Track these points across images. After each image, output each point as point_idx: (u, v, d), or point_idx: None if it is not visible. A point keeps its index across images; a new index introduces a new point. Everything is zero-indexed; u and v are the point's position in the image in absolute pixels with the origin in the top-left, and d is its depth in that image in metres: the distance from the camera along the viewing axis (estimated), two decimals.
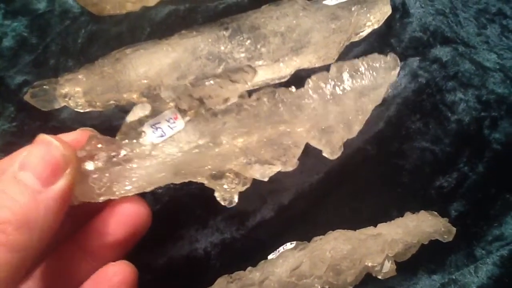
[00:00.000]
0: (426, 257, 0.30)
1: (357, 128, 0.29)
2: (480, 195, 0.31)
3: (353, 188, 0.32)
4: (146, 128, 0.27)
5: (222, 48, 0.31)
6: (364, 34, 0.32)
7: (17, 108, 0.33)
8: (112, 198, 0.26)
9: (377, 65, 0.29)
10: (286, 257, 0.29)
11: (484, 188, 0.31)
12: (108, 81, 0.30)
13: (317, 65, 0.31)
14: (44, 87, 0.30)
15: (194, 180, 0.27)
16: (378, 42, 0.34)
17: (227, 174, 0.27)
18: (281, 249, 0.29)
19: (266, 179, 0.28)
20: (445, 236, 0.30)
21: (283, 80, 0.31)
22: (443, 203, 0.31)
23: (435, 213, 0.30)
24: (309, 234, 0.30)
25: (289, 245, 0.29)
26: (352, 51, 0.33)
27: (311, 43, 0.31)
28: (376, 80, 0.29)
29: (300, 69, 0.31)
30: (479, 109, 0.32)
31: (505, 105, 0.32)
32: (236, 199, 0.27)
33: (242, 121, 0.27)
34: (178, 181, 0.27)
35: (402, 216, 0.30)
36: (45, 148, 0.24)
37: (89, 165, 0.26)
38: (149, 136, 0.27)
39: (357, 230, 0.29)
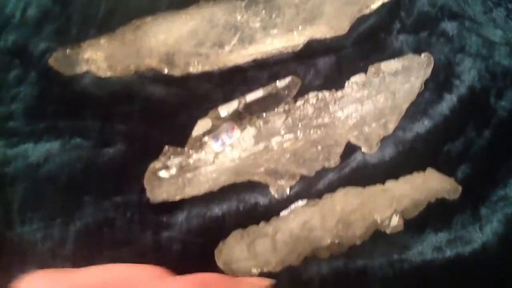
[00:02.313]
0: (433, 216, 0.31)
1: (392, 126, 0.32)
2: (486, 159, 0.33)
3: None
4: (209, 140, 0.31)
5: (239, 17, 0.33)
6: (374, 7, 0.34)
7: (39, 74, 0.34)
8: (186, 197, 0.31)
9: (412, 64, 0.32)
10: (297, 212, 0.30)
11: (490, 152, 0.33)
12: (129, 47, 0.32)
13: (328, 36, 0.33)
14: (67, 51, 0.32)
15: (252, 179, 0.32)
16: (388, 15, 0.35)
17: (279, 172, 0.31)
18: (292, 206, 0.31)
19: (312, 175, 0.32)
20: (451, 194, 0.31)
21: (296, 50, 0.33)
22: (451, 166, 0.32)
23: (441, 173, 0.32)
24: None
25: (300, 202, 0.31)
26: (364, 23, 0.35)
27: (324, 14, 0.33)
28: (411, 79, 0.32)
29: (313, 39, 0.33)
30: (487, 78, 0.34)
31: (511, 76, 0.34)
32: (288, 191, 0.32)
33: (290, 126, 0.31)
34: (238, 181, 0.31)
35: None
36: None
37: (164, 173, 0.30)
38: (212, 146, 0.31)
39: (366, 187, 0.31)
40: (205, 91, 0.34)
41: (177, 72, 0.33)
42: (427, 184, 0.30)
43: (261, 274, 0.29)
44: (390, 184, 0.31)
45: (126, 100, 0.33)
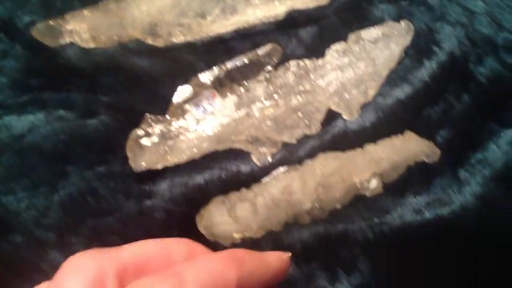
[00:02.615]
0: (412, 180, 0.32)
1: (372, 92, 0.33)
2: (465, 123, 0.33)
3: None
4: (190, 107, 0.31)
5: None
6: None
7: (24, 47, 0.34)
8: (168, 165, 0.31)
9: (392, 32, 0.33)
10: (278, 178, 0.30)
11: (469, 117, 0.33)
12: (112, 18, 0.33)
13: (310, 6, 0.34)
14: (51, 23, 0.32)
15: (234, 147, 0.32)
16: None
17: (261, 139, 0.32)
18: (273, 173, 0.31)
19: (294, 142, 0.32)
20: (430, 157, 0.31)
21: (278, 20, 0.33)
22: (430, 130, 0.33)
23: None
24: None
25: (281, 169, 0.31)
26: None
27: None
28: (391, 46, 0.33)
29: (295, 9, 0.33)
30: (467, 45, 0.35)
31: (491, 44, 0.35)
32: (269, 159, 0.32)
33: (271, 94, 0.32)
34: (220, 148, 0.32)
35: None
36: None
37: (146, 141, 0.31)
38: (193, 113, 0.31)
39: (345, 151, 0.31)
40: (188, 61, 0.34)
41: (160, 43, 0.33)
42: (406, 147, 0.31)
43: (243, 240, 0.30)
44: (369, 147, 0.31)
45: (110, 72, 0.34)
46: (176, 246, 0.24)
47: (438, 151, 0.31)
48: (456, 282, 0.30)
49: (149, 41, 0.33)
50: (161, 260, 0.23)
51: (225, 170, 0.32)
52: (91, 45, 0.33)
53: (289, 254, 0.26)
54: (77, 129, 0.32)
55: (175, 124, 0.31)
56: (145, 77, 0.33)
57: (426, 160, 0.31)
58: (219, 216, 0.29)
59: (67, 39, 0.33)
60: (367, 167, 0.30)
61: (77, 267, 0.21)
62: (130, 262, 0.22)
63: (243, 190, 0.30)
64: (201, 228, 0.30)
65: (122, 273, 0.21)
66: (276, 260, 0.25)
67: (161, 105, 0.32)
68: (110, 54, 0.34)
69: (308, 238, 0.30)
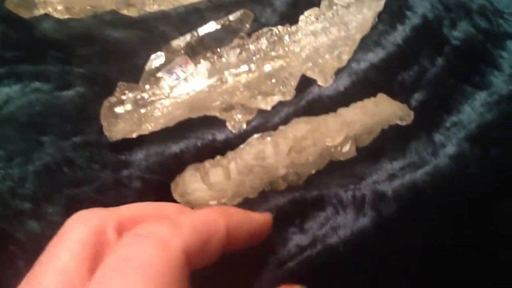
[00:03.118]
0: (387, 145, 0.32)
1: (346, 57, 0.33)
2: (440, 86, 0.33)
3: None
4: (163, 74, 0.31)
5: None
6: None
7: None
8: (143, 133, 0.31)
9: None
10: (251, 144, 0.30)
11: (443, 79, 0.33)
12: None
13: None
14: None
15: (208, 114, 0.32)
16: None
17: (236, 106, 0.32)
18: (248, 140, 0.31)
19: (269, 108, 0.32)
20: (404, 119, 0.31)
21: None
22: (405, 94, 0.33)
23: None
24: None
25: (255, 136, 0.31)
26: None
27: None
28: (363, 11, 0.32)
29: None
30: (440, 9, 0.34)
31: (464, 9, 0.35)
32: (244, 126, 0.32)
33: (244, 60, 0.31)
34: (195, 115, 0.32)
35: None
36: None
37: (119, 109, 0.31)
38: (166, 80, 0.31)
39: (318, 116, 0.31)
40: (163, 32, 0.34)
41: (134, 13, 0.33)
42: (378, 109, 0.30)
43: None
44: (341, 110, 0.31)
45: (85, 43, 0.34)
46: (169, 206, 0.26)
47: (411, 113, 0.31)
48: (431, 243, 0.30)
49: (124, 11, 0.33)
50: (156, 217, 0.25)
51: (200, 139, 0.32)
52: (66, 16, 0.33)
53: (272, 214, 0.29)
54: (53, 100, 0.32)
55: (149, 91, 0.31)
56: (120, 48, 0.33)
57: (399, 122, 0.31)
58: (193, 183, 0.29)
59: (41, 11, 0.33)
60: (338, 130, 0.30)
61: (80, 219, 0.23)
62: (128, 217, 0.24)
63: (218, 157, 0.30)
64: (176, 196, 0.30)
65: (120, 225, 0.23)
66: (260, 217, 0.28)
67: (136, 76, 0.32)
68: (85, 25, 0.34)
69: (284, 204, 0.30)
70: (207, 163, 0.30)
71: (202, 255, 0.23)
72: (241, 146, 0.31)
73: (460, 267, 0.30)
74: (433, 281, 0.30)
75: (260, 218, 0.28)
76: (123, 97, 0.30)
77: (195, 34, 0.31)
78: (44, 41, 0.33)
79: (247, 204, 0.30)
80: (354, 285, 0.30)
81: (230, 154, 0.30)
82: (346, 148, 0.30)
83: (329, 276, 0.30)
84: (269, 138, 0.30)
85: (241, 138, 0.32)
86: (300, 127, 0.30)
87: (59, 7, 0.32)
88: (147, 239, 0.21)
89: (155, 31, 0.34)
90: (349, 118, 0.30)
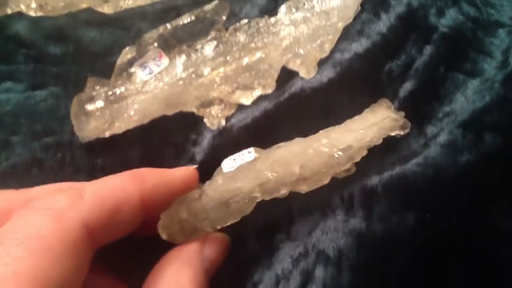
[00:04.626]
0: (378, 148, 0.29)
1: (328, 47, 0.31)
2: (429, 75, 0.31)
3: None
4: (136, 68, 0.30)
5: None
6: None
7: None
8: (116, 132, 0.29)
9: None
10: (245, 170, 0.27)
11: (433, 68, 0.31)
12: None
13: None
14: None
15: (185, 110, 0.30)
16: None
17: (214, 101, 0.30)
18: (238, 159, 0.28)
19: (249, 103, 0.31)
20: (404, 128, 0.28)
21: None
22: (393, 85, 0.31)
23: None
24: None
25: (247, 155, 0.27)
26: None
27: None
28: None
29: None
30: None
31: None
32: (223, 123, 0.30)
33: (221, 53, 0.30)
34: (170, 112, 0.30)
35: (353, 101, 0.30)
36: None
37: (91, 106, 0.29)
38: (139, 74, 0.29)
39: (320, 137, 0.28)
40: (139, 29, 0.33)
41: (110, 10, 0.32)
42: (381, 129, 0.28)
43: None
44: (347, 136, 0.28)
45: (59, 42, 0.32)
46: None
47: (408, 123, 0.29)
48: (425, 235, 0.27)
49: (99, 8, 0.32)
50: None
51: (179, 138, 0.30)
52: (39, 14, 0.32)
53: (195, 166, 0.27)
54: (25, 100, 0.31)
55: (121, 87, 0.29)
56: (95, 46, 0.32)
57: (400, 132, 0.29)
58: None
59: (14, 8, 0.32)
60: (347, 161, 0.27)
61: None
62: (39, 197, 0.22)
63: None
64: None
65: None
66: (180, 172, 0.26)
67: (111, 75, 0.30)
68: (59, 23, 0.33)
69: (269, 210, 0.28)
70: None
71: (110, 228, 0.21)
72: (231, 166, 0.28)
73: (454, 259, 0.28)
74: (428, 275, 0.27)
75: (180, 174, 0.26)
76: (94, 93, 0.29)
77: (168, 26, 0.30)
78: (16, 40, 0.32)
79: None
80: None
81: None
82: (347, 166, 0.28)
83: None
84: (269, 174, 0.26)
85: (221, 135, 0.30)
86: (309, 161, 0.27)
87: (33, 5, 0.31)
88: (39, 211, 0.20)
89: (131, 29, 0.33)
90: (358, 146, 0.27)
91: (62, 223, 0.19)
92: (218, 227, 0.27)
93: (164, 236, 0.26)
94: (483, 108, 0.29)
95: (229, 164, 0.27)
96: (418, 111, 0.30)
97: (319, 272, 0.27)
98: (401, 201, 0.27)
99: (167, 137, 0.31)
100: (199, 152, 0.30)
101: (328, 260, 0.27)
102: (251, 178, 0.26)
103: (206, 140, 0.30)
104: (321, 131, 0.28)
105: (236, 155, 0.28)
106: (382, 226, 0.27)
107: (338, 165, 0.27)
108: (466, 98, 0.30)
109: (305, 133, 0.29)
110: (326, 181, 0.27)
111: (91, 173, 0.30)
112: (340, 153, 0.27)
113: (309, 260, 0.28)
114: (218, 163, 0.30)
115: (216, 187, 0.27)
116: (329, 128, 0.29)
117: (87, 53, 0.32)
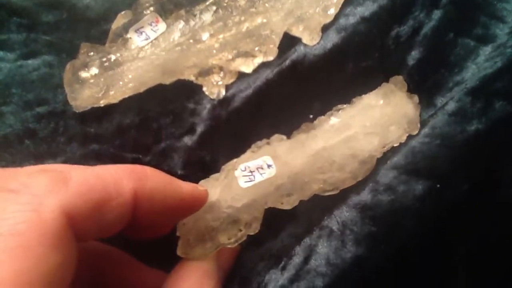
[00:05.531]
0: None
1: (332, 11, 0.29)
2: (438, 41, 0.29)
3: None
4: (131, 34, 0.28)
5: None
6: None
7: None
8: (112, 102, 0.28)
9: None
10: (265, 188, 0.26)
11: (442, 34, 0.29)
12: None
13: None
14: None
15: (183, 78, 0.29)
16: None
17: (213, 69, 0.29)
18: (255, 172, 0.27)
19: (250, 71, 0.29)
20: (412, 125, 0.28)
21: None
22: (401, 52, 0.29)
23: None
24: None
25: (266, 169, 0.26)
26: None
27: None
28: None
29: None
30: None
31: None
32: (223, 92, 0.29)
33: (220, 18, 0.29)
34: (167, 80, 0.29)
35: (359, 68, 0.29)
36: None
37: (85, 73, 0.28)
38: (135, 40, 0.28)
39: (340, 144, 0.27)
40: None
41: None
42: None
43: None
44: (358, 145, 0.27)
45: (52, 9, 0.31)
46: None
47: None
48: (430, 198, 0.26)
49: None
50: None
51: (177, 108, 0.29)
52: None
53: (205, 188, 0.25)
54: (17, 69, 0.30)
55: (116, 53, 0.28)
56: (90, 13, 0.31)
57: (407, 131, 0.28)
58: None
59: None
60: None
61: None
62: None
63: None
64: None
65: None
66: (190, 188, 0.24)
67: (105, 42, 0.29)
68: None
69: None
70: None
71: (95, 221, 0.20)
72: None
73: (462, 228, 0.27)
74: (435, 244, 0.27)
75: (188, 188, 0.23)
76: (88, 60, 0.28)
77: None
78: (7, 8, 0.31)
79: None
80: None
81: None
82: None
83: None
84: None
85: (221, 106, 0.29)
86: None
87: None
88: (14, 195, 0.18)
89: None
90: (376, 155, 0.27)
91: (40, 213, 0.17)
92: (233, 240, 0.26)
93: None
94: (493, 74, 0.27)
95: (245, 175, 0.26)
96: (427, 80, 0.29)
97: (322, 248, 0.27)
98: (408, 171, 0.26)
99: (164, 106, 0.30)
100: (199, 122, 0.29)
101: (331, 234, 0.27)
102: (269, 200, 0.26)
103: (205, 110, 0.30)
104: (334, 120, 0.27)
105: (253, 165, 0.26)
106: (389, 197, 0.26)
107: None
108: (478, 66, 0.29)
109: (308, 103, 0.29)
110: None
111: (84, 143, 0.29)
112: (362, 165, 0.27)
113: (313, 235, 0.27)
114: (219, 136, 0.29)
115: (234, 201, 0.26)
116: (343, 119, 0.27)
117: (81, 20, 0.31)
